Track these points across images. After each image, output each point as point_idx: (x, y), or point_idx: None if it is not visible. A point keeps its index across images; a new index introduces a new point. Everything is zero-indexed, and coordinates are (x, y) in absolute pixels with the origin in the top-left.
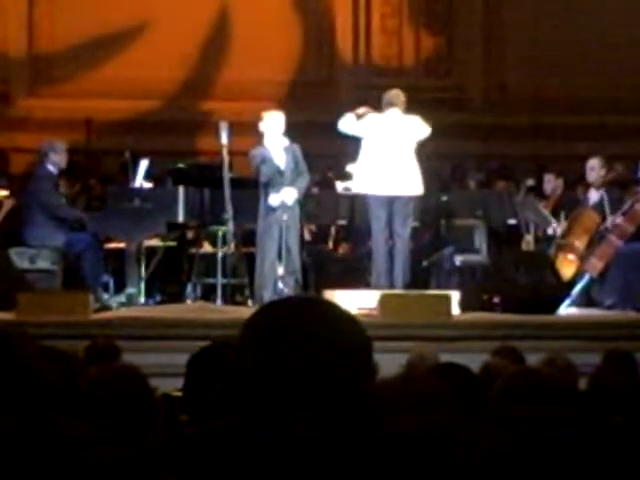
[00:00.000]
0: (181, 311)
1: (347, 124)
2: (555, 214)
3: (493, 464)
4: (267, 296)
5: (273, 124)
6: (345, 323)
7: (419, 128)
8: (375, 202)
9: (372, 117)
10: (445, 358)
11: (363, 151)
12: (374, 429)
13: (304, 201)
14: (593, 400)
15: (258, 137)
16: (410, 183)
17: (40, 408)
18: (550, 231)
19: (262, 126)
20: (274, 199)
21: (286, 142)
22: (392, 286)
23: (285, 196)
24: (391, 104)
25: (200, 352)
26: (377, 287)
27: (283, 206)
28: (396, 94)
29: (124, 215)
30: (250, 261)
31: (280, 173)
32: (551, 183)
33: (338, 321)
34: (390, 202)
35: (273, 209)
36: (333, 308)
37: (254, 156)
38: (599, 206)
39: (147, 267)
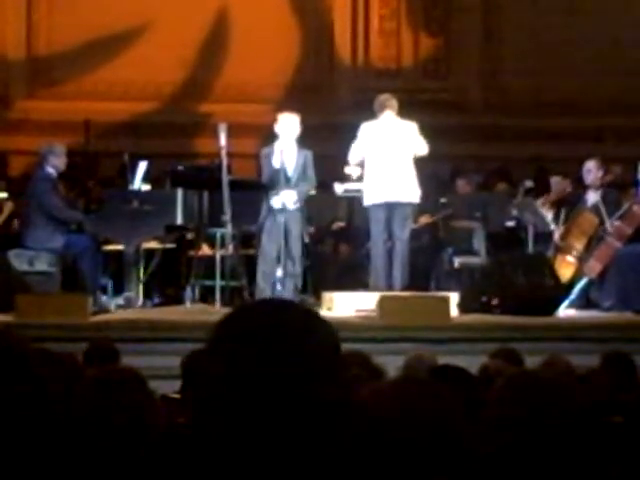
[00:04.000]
0: (180, 313)
1: (353, 155)
2: (555, 214)
3: (492, 466)
4: None
5: (287, 126)
6: (317, 330)
7: (417, 140)
8: (374, 205)
9: (367, 125)
10: (444, 360)
11: (366, 163)
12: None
13: (305, 205)
14: (591, 402)
15: (257, 139)
16: (407, 190)
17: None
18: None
19: (276, 128)
20: (275, 201)
21: (297, 146)
22: (391, 288)
23: (285, 198)
24: (385, 107)
25: (192, 354)
26: (376, 289)
27: (284, 209)
28: (388, 97)
29: (123, 217)
30: (249, 263)
31: (285, 176)
32: (560, 185)
33: (310, 327)
34: (389, 205)
35: (274, 211)
36: (307, 314)
37: (261, 156)
38: (597, 208)
39: (146, 269)
